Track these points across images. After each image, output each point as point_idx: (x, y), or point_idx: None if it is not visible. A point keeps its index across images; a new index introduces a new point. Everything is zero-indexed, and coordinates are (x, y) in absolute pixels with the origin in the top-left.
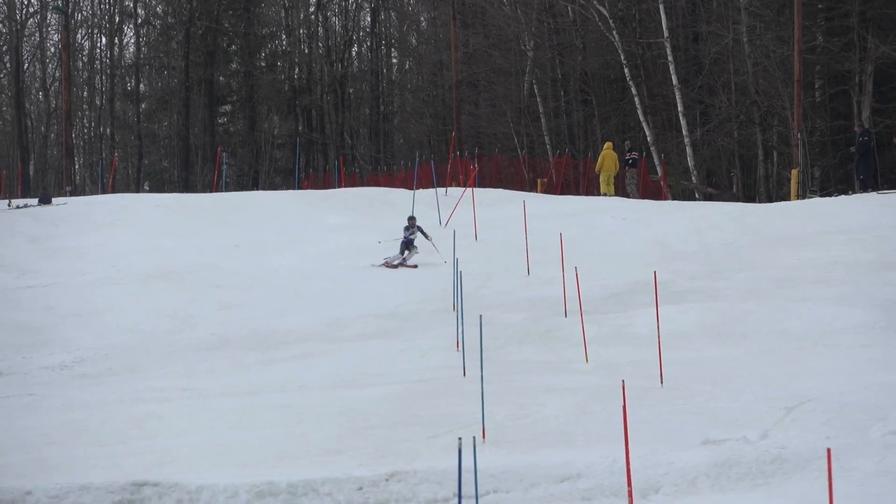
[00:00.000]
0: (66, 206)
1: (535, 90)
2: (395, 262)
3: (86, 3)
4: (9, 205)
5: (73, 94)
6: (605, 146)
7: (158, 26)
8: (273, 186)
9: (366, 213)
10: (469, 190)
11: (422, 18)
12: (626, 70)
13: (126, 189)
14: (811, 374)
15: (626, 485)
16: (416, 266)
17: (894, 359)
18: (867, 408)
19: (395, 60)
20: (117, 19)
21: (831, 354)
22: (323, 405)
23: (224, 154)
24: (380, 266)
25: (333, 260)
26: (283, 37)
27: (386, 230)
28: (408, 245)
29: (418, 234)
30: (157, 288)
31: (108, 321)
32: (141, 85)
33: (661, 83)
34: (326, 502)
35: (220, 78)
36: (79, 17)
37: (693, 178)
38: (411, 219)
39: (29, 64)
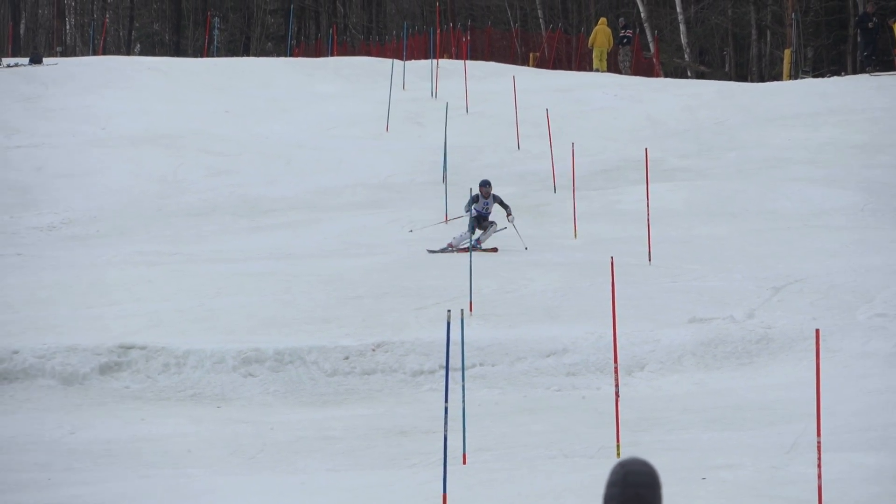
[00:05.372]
0: (57, 67)
1: None
2: (464, 244)
3: None
4: None
5: None
6: (600, 21)
7: None
8: (264, 53)
9: (358, 83)
10: (461, 62)
11: None
12: None
13: (117, 52)
14: (799, 255)
15: (611, 361)
16: (495, 249)
17: (882, 241)
18: (854, 289)
19: None
20: None
21: (820, 235)
22: (311, 274)
23: (215, 19)
24: (441, 252)
25: (324, 129)
26: None
27: (378, 100)
28: (481, 221)
29: (495, 205)
30: (147, 152)
31: (97, 183)
32: None
33: None
34: (313, 370)
35: None
36: None
37: (686, 56)
38: (485, 185)
39: None
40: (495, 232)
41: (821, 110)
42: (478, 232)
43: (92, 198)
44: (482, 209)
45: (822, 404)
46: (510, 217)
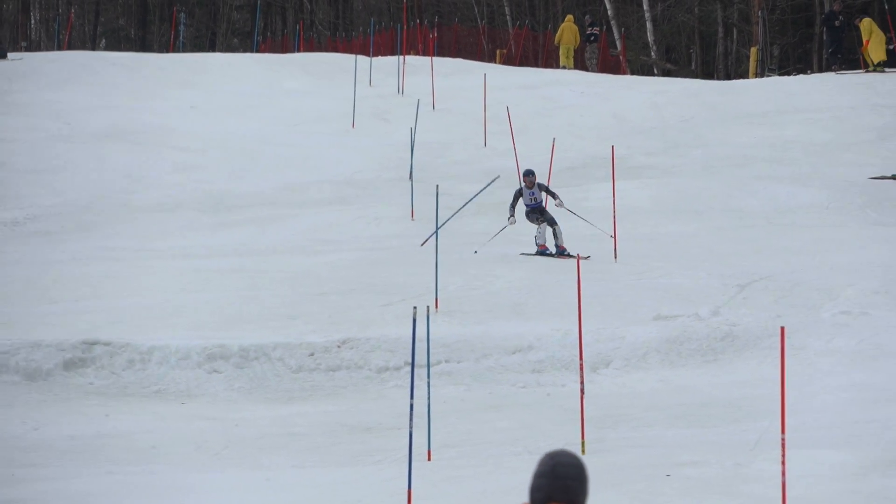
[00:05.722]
0: (22, 62)
1: None
2: (554, 250)
3: None
4: None
5: None
6: (566, 19)
7: None
8: (230, 49)
9: (324, 79)
10: (427, 58)
11: None
12: None
13: (82, 47)
14: (764, 253)
15: (577, 358)
16: (588, 256)
17: (847, 239)
18: (819, 287)
19: None
20: None
21: (785, 233)
22: (277, 270)
23: (181, 14)
24: (538, 254)
25: (291, 125)
26: None
27: (345, 97)
28: (541, 213)
29: (544, 195)
30: (112, 147)
31: (62, 179)
32: None
33: None
34: (278, 367)
35: None
36: None
37: (652, 54)
38: (528, 174)
39: None
40: (558, 237)
41: (787, 108)
42: (549, 230)
43: (56, 193)
44: (531, 202)
45: (787, 402)
46: (558, 203)
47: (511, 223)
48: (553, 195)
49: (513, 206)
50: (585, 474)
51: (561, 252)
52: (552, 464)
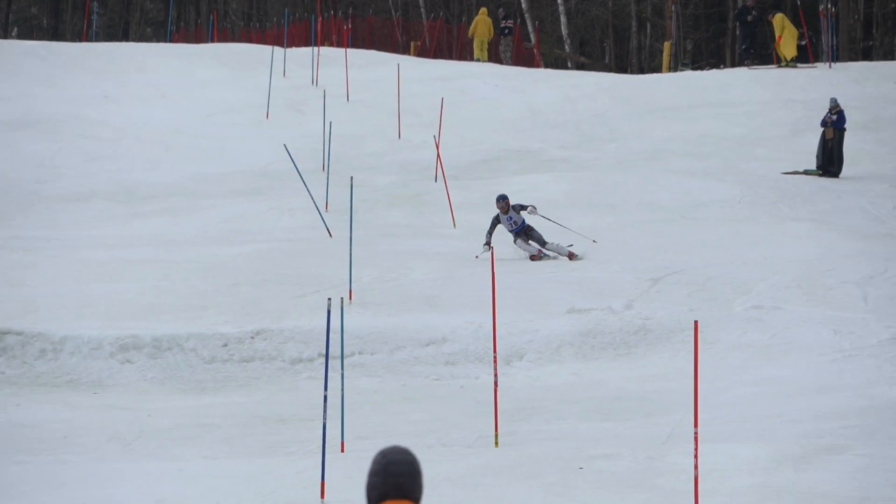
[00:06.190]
0: None
1: None
2: (562, 251)
3: None
4: None
5: None
6: (480, 11)
7: None
8: (144, 38)
9: (238, 70)
10: (342, 50)
11: None
12: None
13: None
14: (677, 247)
15: (490, 350)
16: (579, 257)
17: (759, 234)
18: (731, 281)
19: None
20: None
21: (697, 227)
22: (190, 261)
23: (94, 3)
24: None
25: (204, 115)
26: None
27: (259, 87)
28: (528, 234)
29: (523, 214)
30: (24, 136)
31: None
32: None
33: None
34: (191, 357)
35: None
36: None
37: (566, 47)
38: (500, 199)
39: None
40: (558, 250)
41: (699, 103)
42: (537, 245)
43: None
44: (512, 227)
45: (699, 395)
46: (530, 209)
47: (486, 250)
48: (525, 208)
49: (489, 232)
50: (419, 470)
51: (568, 252)
52: (384, 462)
